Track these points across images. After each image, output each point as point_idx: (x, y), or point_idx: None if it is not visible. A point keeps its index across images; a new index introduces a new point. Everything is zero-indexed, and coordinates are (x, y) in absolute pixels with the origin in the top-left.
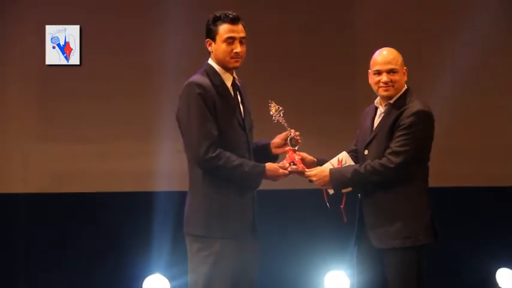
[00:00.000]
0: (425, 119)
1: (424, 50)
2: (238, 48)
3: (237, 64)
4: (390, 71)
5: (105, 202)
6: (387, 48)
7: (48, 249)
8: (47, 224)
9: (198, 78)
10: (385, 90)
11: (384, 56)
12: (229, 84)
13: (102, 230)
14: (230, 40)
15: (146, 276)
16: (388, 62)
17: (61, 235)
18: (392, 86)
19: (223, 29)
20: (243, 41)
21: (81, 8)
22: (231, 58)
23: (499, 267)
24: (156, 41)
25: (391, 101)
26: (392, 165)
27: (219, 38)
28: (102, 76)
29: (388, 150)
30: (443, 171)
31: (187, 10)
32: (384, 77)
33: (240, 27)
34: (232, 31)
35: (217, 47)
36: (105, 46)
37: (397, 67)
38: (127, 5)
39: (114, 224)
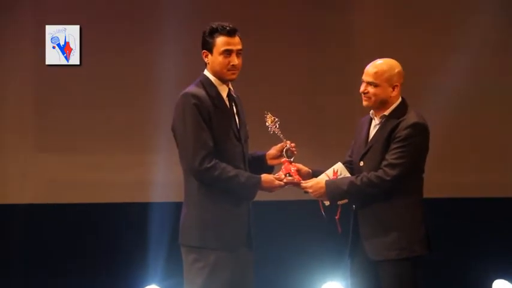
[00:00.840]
0: (421, 131)
1: (421, 60)
2: (235, 60)
3: (234, 76)
4: (369, 83)
5: (102, 213)
6: (380, 60)
7: (44, 260)
8: (43, 234)
9: (194, 89)
10: (364, 100)
11: (368, 68)
12: (224, 95)
13: (98, 241)
14: (227, 52)
15: None
16: (368, 75)
17: (57, 246)
18: (370, 98)
19: (221, 41)
20: (240, 53)
21: (81, 8)
22: (228, 70)
23: (496, 279)
24: (156, 43)
25: (386, 113)
26: (388, 178)
27: (216, 50)
28: (102, 77)
29: (384, 163)
30: (440, 182)
31: (188, 13)
32: (362, 87)
33: (236, 39)
34: (230, 44)
35: (214, 59)
36: (105, 46)
37: (376, 81)
38: (127, 5)
39: (111, 234)
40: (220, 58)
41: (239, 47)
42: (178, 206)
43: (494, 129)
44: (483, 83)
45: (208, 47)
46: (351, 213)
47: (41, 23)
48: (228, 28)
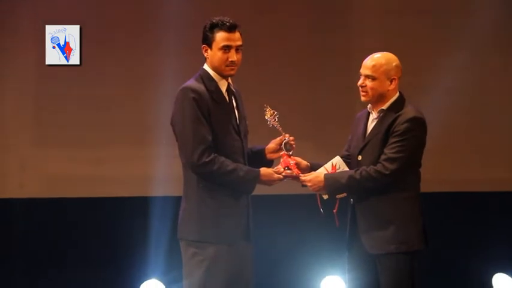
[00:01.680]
0: (419, 126)
1: (421, 54)
2: (234, 57)
3: (232, 72)
4: (367, 76)
5: (101, 207)
6: (379, 53)
7: (44, 254)
8: (43, 229)
9: (193, 83)
10: (362, 95)
11: (366, 61)
12: (224, 89)
13: (98, 235)
14: (226, 48)
15: (143, 282)
16: (366, 68)
17: (57, 240)
18: (368, 92)
19: (220, 36)
20: (240, 49)
21: (81, 8)
22: (227, 66)
23: (496, 273)
24: (155, 43)
25: (384, 107)
26: (387, 172)
27: (215, 45)
28: (102, 76)
29: (383, 157)
30: (439, 176)
31: (188, 11)
32: (360, 80)
33: (237, 35)
34: (229, 39)
35: (213, 54)
36: (105, 46)
37: (374, 74)
38: (127, 5)
39: (111, 229)
40: (219, 53)
41: (239, 43)
42: (178, 200)
43: (493, 124)
44: (483, 81)
45: (208, 41)
46: (349, 207)
47: (41, 23)
48: (228, 24)
